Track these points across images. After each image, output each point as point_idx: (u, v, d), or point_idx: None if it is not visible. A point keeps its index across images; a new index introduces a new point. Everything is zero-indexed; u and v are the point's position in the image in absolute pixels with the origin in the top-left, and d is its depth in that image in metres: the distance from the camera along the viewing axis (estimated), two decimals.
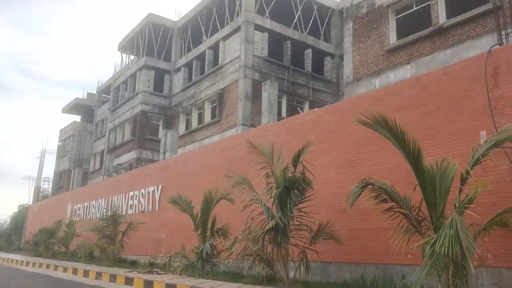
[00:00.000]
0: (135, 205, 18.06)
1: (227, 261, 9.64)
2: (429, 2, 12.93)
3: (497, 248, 6.52)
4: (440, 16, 12.51)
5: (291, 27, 24.52)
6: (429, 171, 5.92)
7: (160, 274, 11.60)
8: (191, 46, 27.89)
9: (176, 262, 11.70)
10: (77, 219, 23.64)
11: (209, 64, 25.14)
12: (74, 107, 43.48)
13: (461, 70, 7.67)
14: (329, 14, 26.49)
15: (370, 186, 6.58)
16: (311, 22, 25.24)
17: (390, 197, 6.35)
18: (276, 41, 23.53)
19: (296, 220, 8.47)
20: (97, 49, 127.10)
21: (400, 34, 13.87)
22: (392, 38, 13.92)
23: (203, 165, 14.11)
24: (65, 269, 15.11)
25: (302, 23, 24.94)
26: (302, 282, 8.37)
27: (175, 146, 20.51)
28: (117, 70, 35.01)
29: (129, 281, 11.00)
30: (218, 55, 24.28)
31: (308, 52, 24.66)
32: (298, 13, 24.79)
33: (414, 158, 5.89)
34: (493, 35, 10.61)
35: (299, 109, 17.25)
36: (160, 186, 16.58)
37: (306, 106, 23.06)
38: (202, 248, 10.36)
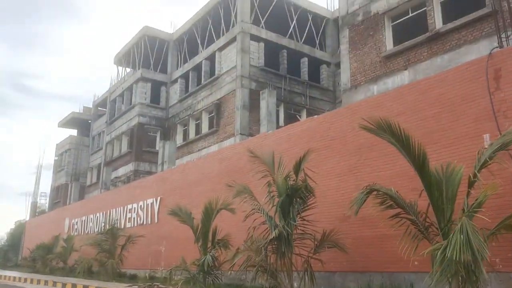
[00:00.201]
0: (134, 218, 17.85)
1: (229, 272, 9.47)
2: (425, 8, 12.97)
3: (505, 253, 6.40)
4: (437, 21, 12.53)
5: (287, 37, 24.60)
6: (435, 176, 5.82)
7: None
8: (187, 58, 27.91)
9: (177, 275, 11.48)
10: (75, 233, 23.36)
11: (205, 74, 25.14)
12: (70, 121, 43.32)
13: (462, 74, 7.62)
14: (324, 23, 26.63)
15: (374, 192, 6.46)
16: (306, 31, 25.34)
17: (396, 203, 6.23)
18: (272, 51, 23.58)
19: (299, 229, 8.34)
20: (92, 63, 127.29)
21: (397, 40, 13.89)
22: (389, 45, 13.92)
23: (202, 176, 13.97)
24: (64, 285, 14.82)
25: (297, 32, 25.04)
26: None
27: (173, 157, 20.37)
28: (113, 83, 34.97)
29: None
30: (214, 66, 24.30)
31: (304, 61, 24.72)
32: (293, 22, 24.90)
33: (420, 163, 5.79)
34: (490, 39, 10.63)
35: (298, 117, 17.18)
36: (158, 198, 16.40)
37: (304, 114, 23.04)
38: (203, 260, 10.16)
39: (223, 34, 24.33)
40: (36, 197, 43.24)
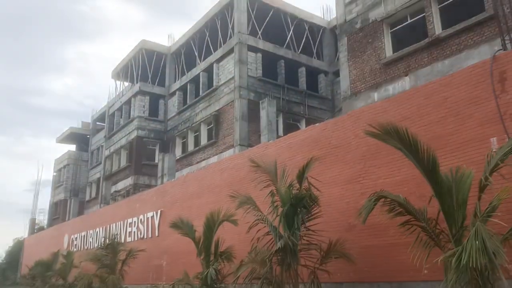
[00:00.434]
0: (134, 232, 17.60)
1: (234, 286, 9.22)
2: (424, 13, 12.94)
3: None
4: (436, 27, 12.50)
5: (284, 47, 24.63)
6: (446, 181, 5.66)
7: None
8: (185, 70, 27.90)
9: None
10: (75, 249, 23.04)
11: (203, 86, 25.09)
12: (68, 137, 43.16)
13: (466, 77, 7.51)
14: (320, 33, 26.69)
15: (382, 200, 6.29)
16: (303, 41, 25.38)
17: (405, 210, 6.06)
18: (269, 61, 23.58)
19: (304, 239, 8.14)
20: (90, 79, 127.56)
21: (396, 47, 13.85)
22: (388, 51, 13.87)
23: (202, 187, 13.79)
24: None
25: (294, 42, 25.08)
26: None
27: (173, 169, 20.19)
28: (112, 98, 34.92)
29: None
30: (212, 78, 24.27)
31: (302, 70, 24.71)
32: (290, 32, 24.94)
33: (430, 168, 5.62)
34: (491, 43, 10.57)
35: (298, 125, 17.05)
36: (159, 211, 16.19)
37: (303, 123, 22.95)
38: (206, 274, 9.92)
39: (220, 46, 24.34)
40: (34, 214, 42.86)
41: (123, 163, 29.76)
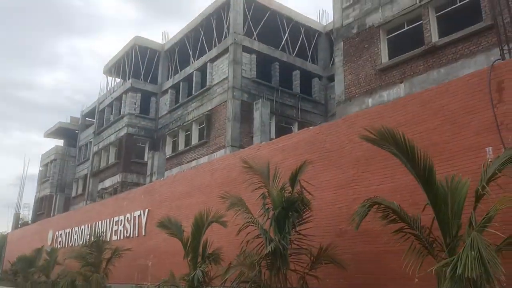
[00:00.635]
0: (120, 230, 17.32)
1: None
2: (421, 21, 12.93)
3: (510, 270, 6.14)
4: (433, 35, 12.49)
5: (279, 49, 24.56)
6: (441, 189, 5.58)
7: None
8: (178, 68, 27.68)
9: None
10: (59, 246, 22.63)
11: (196, 85, 24.90)
12: (56, 131, 42.58)
13: (463, 86, 7.45)
14: (316, 37, 26.69)
15: (376, 206, 6.19)
16: (298, 44, 25.35)
17: (399, 217, 5.96)
18: (264, 63, 23.49)
19: (295, 243, 8.01)
20: (81, 74, 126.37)
21: (392, 53, 13.82)
22: (384, 58, 13.84)
23: (192, 187, 13.59)
24: None
25: (289, 45, 25.02)
26: None
27: (162, 168, 19.94)
28: (102, 94, 34.52)
29: None
30: (205, 77, 24.09)
31: (296, 74, 24.66)
32: (286, 35, 24.88)
33: (426, 175, 5.53)
34: (487, 53, 10.58)
35: (291, 128, 16.94)
36: (146, 210, 15.94)
37: (295, 127, 22.88)
38: (193, 275, 9.74)
39: (215, 46, 24.19)
40: (19, 209, 42.15)
41: (112, 160, 29.40)
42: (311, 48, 26.21)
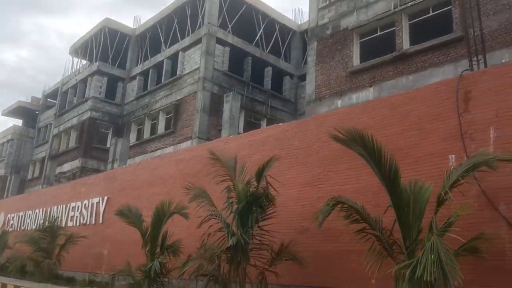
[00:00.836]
0: (77, 217, 16.77)
1: (179, 281, 8.90)
2: (394, 28, 13.16)
3: (465, 275, 6.31)
4: (404, 42, 12.74)
5: (253, 44, 24.44)
6: (404, 193, 5.66)
7: None
8: (149, 55, 27.06)
9: (119, 280, 10.74)
10: (10, 229, 21.69)
11: (166, 74, 24.43)
12: (15, 110, 40.82)
13: (431, 93, 7.60)
14: (290, 35, 26.76)
15: (340, 205, 6.23)
16: (272, 41, 25.33)
17: (362, 218, 6.02)
18: (237, 56, 23.33)
19: (256, 239, 7.97)
20: (46, 53, 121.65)
21: (364, 57, 14.01)
22: (356, 61, 14.01)
23: (155, 177, 13.30)
24: None
25: (263, 41, 24.97)
26: None
27: (125, 155, 19.44)
28: (67, 75, 33.31)
29: None
30: (176, 66, 23.68)
31: (268, 70, 24.65)
32: (260, 31, 24.81)
33: (391, 178, 5.60)
34: (455, 64, 10.88)
35: (260, 124, 16.90)
36: (105, 198, 15.49)
37: (264, 123, 22.88)
38: (151, 266, 9.53)
39: (188, 35, 23.80)
40: None
41: (72, 144, 28.45)
42: (285, 46, 26.26)
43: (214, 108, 20.88)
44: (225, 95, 17.02)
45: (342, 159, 8.26)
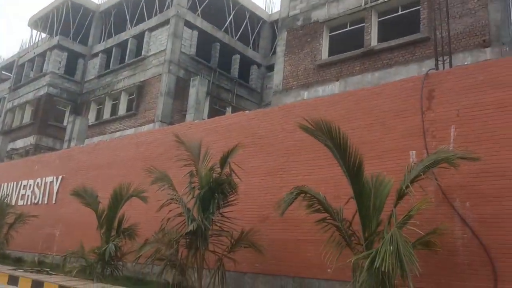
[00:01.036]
0: (28, 195, 16.06)
1: (133, 264, 8.71)
2: (363, 24, 13.32)
3: (423, 269, 6.53)
4: (373, 38, 12.93)
5: (222, 30, 24.11)
6: (367, 186, 5.75)
7: (51, 274, 10.23)
8: (113, 32, 26.15)
9: (71, 262, 10.40)
10: None
11: (130, 53, 23.71)
12: None
13: (397, 89, 7.74)
14: (260, 24, 26.59)
15: (303, 195, 6.25)
16: (241, 29, 25.10)
17: (323, 208, 6.07)
18: (205, 41, 22.96)
19: (217, 225, 7.91)
20: (3, 24, 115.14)
21: (332, 51, 14.12)
22: (324, 54, 14.10)
23: (114, 158, 12.91)
24: None
25: (233, 28, 24.70)
26: None
27: (83, 134, 18.77)
28: (24, 47, 31.67)
29: (13, 280, 9.56)
30: (141, 46, 23.03)
31: (236, 58, 24.44)
32: (230, 17, 24.51)
33: (355, 169, 5.67)
34: (420, 63, 11.15)
35: (225, 111, 16.74)
36: (60, 177, 14.90)
37: (229, 111, 22.71)
38: (105, 249, 9.28)
39: (155, 15, 23.15)
40: None
41: (27, 120, 27.17)
42: (254, 35, 26.10)
43: (179, 92, 20.50)
44: (191, 79, 16.73)
45: (305, 149, 8.29)
